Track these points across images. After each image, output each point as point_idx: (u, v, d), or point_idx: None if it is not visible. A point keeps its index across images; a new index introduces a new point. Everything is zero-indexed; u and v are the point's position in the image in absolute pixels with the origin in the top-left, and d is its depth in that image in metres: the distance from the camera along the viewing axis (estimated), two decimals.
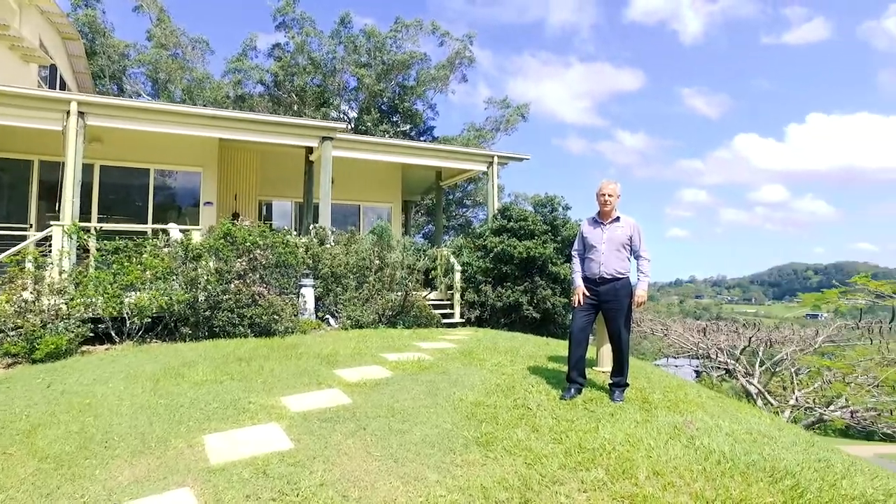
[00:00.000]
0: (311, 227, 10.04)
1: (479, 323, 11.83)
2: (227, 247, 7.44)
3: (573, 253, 4.65)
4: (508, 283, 12.04)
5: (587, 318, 4.45)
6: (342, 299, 8.68)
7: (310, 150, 11.75)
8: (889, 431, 15.61)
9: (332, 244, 9.69)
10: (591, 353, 6.42)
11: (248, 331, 7.02)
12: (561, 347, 6.92)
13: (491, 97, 29.99)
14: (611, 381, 4.48)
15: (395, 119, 27.92)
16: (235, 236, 7.53)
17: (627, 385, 4.48)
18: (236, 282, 7.08)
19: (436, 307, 11.25)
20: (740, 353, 17.90)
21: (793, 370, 18.84)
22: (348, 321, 8.28)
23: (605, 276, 4.36)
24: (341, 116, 26.91)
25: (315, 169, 11.56)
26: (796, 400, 17.73)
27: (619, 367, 4.41)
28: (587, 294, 4.43)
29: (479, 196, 28.41)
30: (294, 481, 2.69)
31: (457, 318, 11.27)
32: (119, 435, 3.30)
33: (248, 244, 7.52)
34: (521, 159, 14.08)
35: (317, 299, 8.64)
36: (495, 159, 13.50)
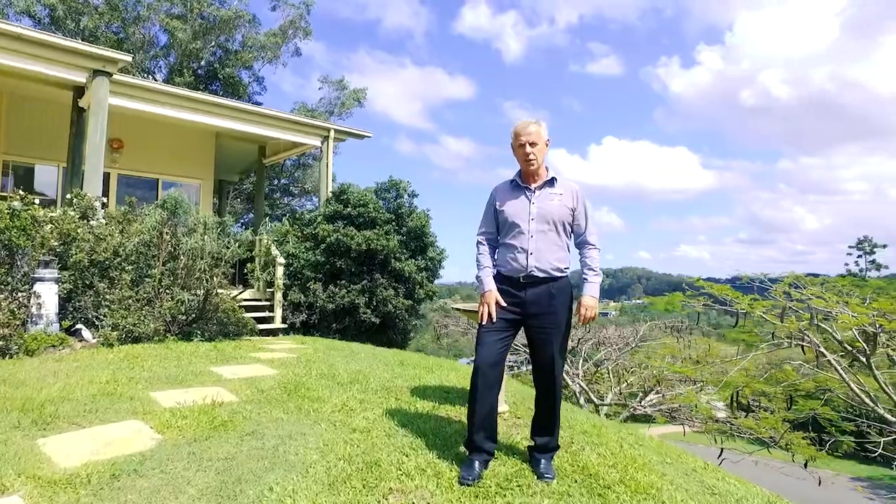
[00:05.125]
0: (69, 196, 7.09)
1: (306, 329, 9.75)
2: None
3: (479, 238, 2.94)
4: (343, 281, 10.16)
5: (503, 343, 2.76)
6: (109, 300, 6.02)
7: (80, 92, 8.60)
8: (686, 419, 17.04)
9: (103, 221, 6.90)
10: (460, 380, 4.85)
11: None
12: (423, 369, 5.26)
13: (326, 76, 27.36)
14: (533, 443, 2.87)
15: (214, 87, 24.00)
16: None
17: (558, 448, 2.94)
18: None
19: (251, 309, 8.90)
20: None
21: (610, 368, 19.95)
22: (115, 333, 5.69)
23: (536, 273, 2.73)
24: (147, 73, 22.33)
25: (87, 120, 8.47)
26: (617, 395, 18.69)
27: (549, 421, 2.81)
28: (503, 304, 2.77)
29: (309, 184, 25.76)
30: None
31: (278, 324, 9.04)
32: None
33: None
34: (361, 136, 12.24)
35: (64, 300, 5.86)
36: (332, 133, 11.47)
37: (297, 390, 3.97)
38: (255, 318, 8.38)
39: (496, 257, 2.89)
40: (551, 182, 2.82)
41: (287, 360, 5.46)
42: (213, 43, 23.29)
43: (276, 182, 25.76)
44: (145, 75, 22.25)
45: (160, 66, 24.18)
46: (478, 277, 2.88)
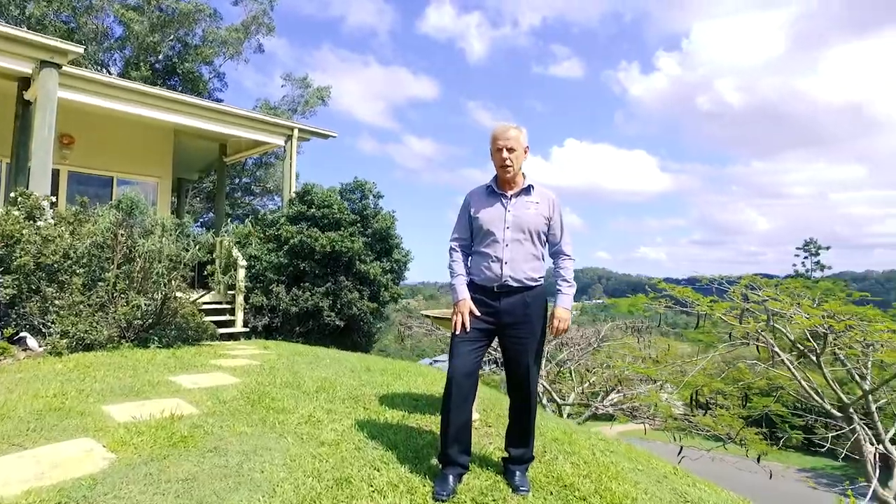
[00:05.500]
0: (13, 195, 6.70)
1: (268, 333, 9.51)
2: None
3: (452, 244, 2.87)
4: (307, 284, 9.96)
5: (477, 353, 2.70)
6: (58, 305, 5.71)
7: (26, 83, 8.16)
8: (646, 417, 17.50)
9: (51, 221, 6.55)
10: (429, 386, 4.79)
11: None
12: (391, 375, 5.17)
13: (289, 74, 26.85)
14: (507, 455, 2.82)
15: (172, 82, 23.25)
16: None
17: (533, 458, 2.89)
18: None
19: (211, 312, 8.64)
20: None
21: (573, 368, 20.23)
22: (64, 341, 5.39)
23: (511, 283, 2.68)
24: (100, 65, 21.45)
25: (33, 113, 8.04)
26: (580, 395, 18.95)
27: (524, 432, 2.77)
28: (477, 313, 2.71)
29: (271, 183, 25.25)
30: None
31: (239, 328, 8.79)
32: None
33: None
34: (326, 136, 12.03)
35: (7, 306, 5.53)
36: (296, 132, 11.24)
37: (261, 401, 3.83)
38: (215, 322, 8.12)
39: (469, 265, 2.84)
40: (528, 190, 2.78)
41: (250, 367, 5.28)
42: (171, 37, 22.57)
43: (237, 181, 25.18)
44: (98, 68, 21.40)
45: (115, 59, 23.33)
46: (451, 285, 2.82)
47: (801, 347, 10.12)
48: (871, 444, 8.61)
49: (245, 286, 9.05)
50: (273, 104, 25.45)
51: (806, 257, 48.81)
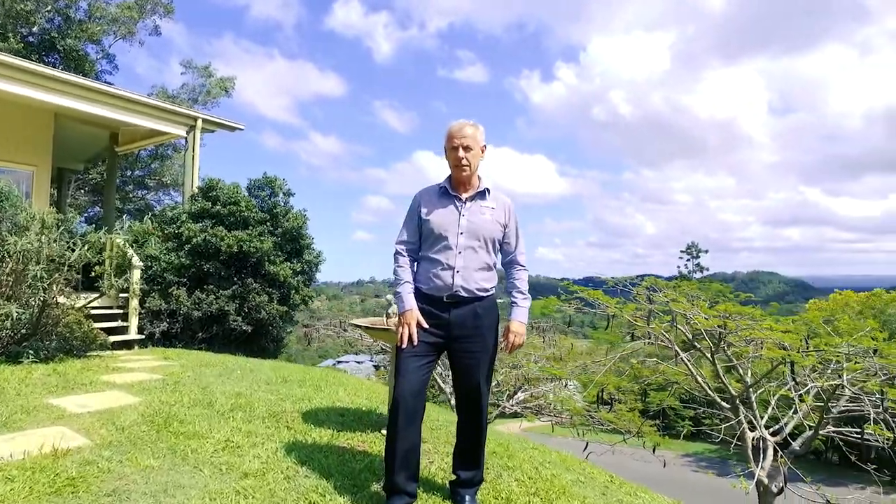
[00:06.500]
0: None
1: (167, 339, 8.72)
2: None
3: (398, 247, 2.63)
4: (211, 286, 9.27)
5: (426, 369, 2.47)
6: None
7: None
8: (551, 415, 18.20)
9: None
10: (370, 400, 4.52)
11: None
12: (310, 387, 4.81)
13: (190, 61, 24.98)
14: (456, 478, 2.61)
15: (51, 59, 20.80)
16: None
17: (482, 481, 2.70)
18: None
19: (100, 318, 7.75)
20: None
21: None
22: None
23: (462, 293, 2.48)
24: None
25: None
26: (489, 394, 19.26)
27: (474, 453, 2.58)
28: (425, 325, 2.48)
29: (168, 176, 23.40)
30: None
31: (133, 335, 7.94)
32: None
33: None
34: (233, 128, 11.25)
35: None
36: (199, 123, 10.38)
37: (167, 425, 3.36)
38: (105, 330, 7.30)
39: (419, 272, 2.61)
40: (483, 194, 2.60)
41: (150, 382, 4.70)
42: (49, 7, 20.20)
43: (129, 173, 23.09)
44: None
45: None
46: (396, 293, 2.58)
47: (697, 346, 10.84)
48: (752, 430, 9.39)
49: (141, 289, 8.20)
50: (171, 92, 23.62)
51: (688, 259, 53.33)
